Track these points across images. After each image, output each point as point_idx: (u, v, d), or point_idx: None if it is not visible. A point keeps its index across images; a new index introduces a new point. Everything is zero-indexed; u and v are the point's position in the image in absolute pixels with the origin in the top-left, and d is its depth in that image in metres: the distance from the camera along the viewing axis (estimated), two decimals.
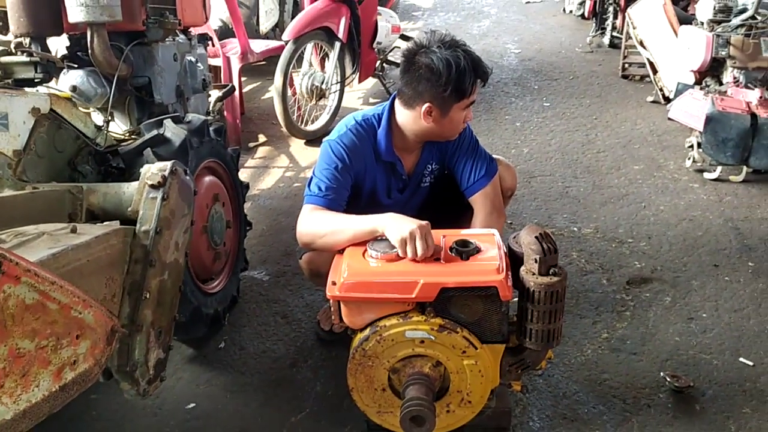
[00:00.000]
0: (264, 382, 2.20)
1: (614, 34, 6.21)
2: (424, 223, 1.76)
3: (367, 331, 1.78)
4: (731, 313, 2.43)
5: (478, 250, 1.79)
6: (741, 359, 2.20)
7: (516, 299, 1.78)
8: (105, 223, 1.83)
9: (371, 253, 1.79)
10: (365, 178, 2.13)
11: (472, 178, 2.17)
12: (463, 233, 1.89)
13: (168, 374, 2.13)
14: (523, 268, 1.76)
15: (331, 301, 1.79)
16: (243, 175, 2.82)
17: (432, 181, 2.29)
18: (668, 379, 2.08)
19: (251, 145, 4.31)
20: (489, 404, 1.91)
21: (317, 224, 1.91)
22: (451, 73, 1.92)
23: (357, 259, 1.81)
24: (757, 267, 2.71)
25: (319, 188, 1.99)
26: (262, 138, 4.44)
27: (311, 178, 2.05)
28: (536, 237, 1.72)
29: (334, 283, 1.77)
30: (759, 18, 3.37)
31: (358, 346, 1.79)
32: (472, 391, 1.82)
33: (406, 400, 1.72)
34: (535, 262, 1.71)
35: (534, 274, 1.72)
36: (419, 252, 1.72)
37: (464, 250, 1.77)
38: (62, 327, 1.42)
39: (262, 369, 2.26)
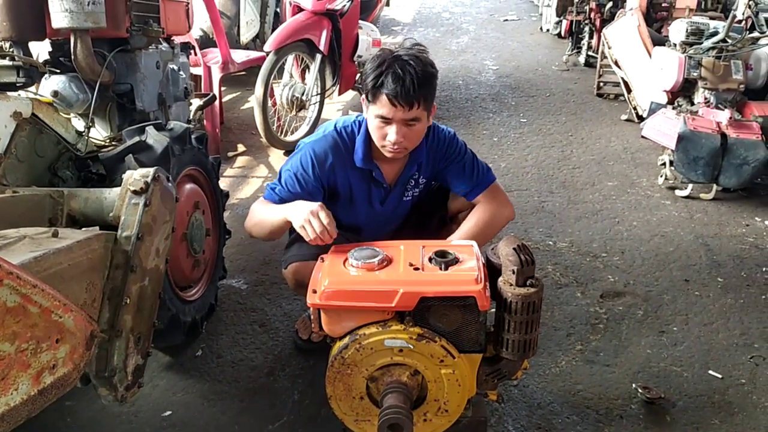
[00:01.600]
0: (241, 391, 2.19)
1: (590, 53, 6.34)
2: (317, 204, 1.91)
3: (346, 340, 1.80)
4: (701, 327, 2.49)
5: (457, 261, 1.81)
6: (710, 372, 2.25)
7: (494, 310, 1.81)
8: (85, 228, 1.83)
9: (352, 261, 1.81)
10: (338, 184, 2.16)
11: (473, 181, 2.20)
12: (443, 244, 1.92)
13: (144, 381, 2.13)
14: (501, 278, 1.79)
15: (311, 309, 1.81)
16: (222, 184, 2.83)
17: (416, 195, 2.31)
18: (640, 391, 2.13)
19: (230, 154, 4.31)
20: (465, 413, 1.93)
21: (253, 215, 2.13)
22: (370, 69, 1.97)
23: (338, 267, 1.83)
24: (726, 282, 2.78)
25: (275, 188, 2.13)
26: (241, 147, 4.45)
27: (281, 169, 2.16)
28: (514, 248, 1.76)
29: (314, 291, 1.78)
30: (729, 41, 3.47)
31: (337, 354, 1.80)
32: (449, 400, 1.84)
33: (384, 408, 1.73)
34: (513, 273, 1.75)
35: (512, 284, 1.76)
36: (316, 230, 1.88)
37: (443, 261, 1.79)
38: (42, 331, 1.42)
39: (240, 377, 2.26)
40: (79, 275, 1.62)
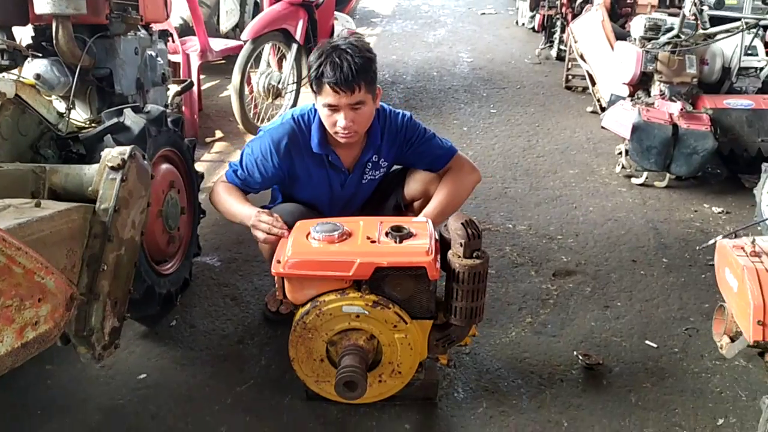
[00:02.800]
0: (212, 357, 2.35)
1: (561, 47, 6.52)
2: (253, 214, 2.16)
3: (308, 306, 1.96)
4: (643, 303, 2.68)
5: (411, 235, 1.98)
6: (647, 342, 2.44)
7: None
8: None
9: (314, 234, 1.97)
10: (297, 168, 2.32)
11: (437, 156, 2.38)
12: (399, 220, 2.09)
13: (121, 348, 2.27)
14: (450, 251, 1.96)
15: (275, 277, 1.97)
16: (200, 168, 2.96)
17: (376, 178, 2.47)
18: (580, 358, 2.31)
19: (208, 140, 4.44)
20: (418, 376, 2.10)
21: (217, 196, 2.33)
22: (313, 61, 2.13)
23: (301, 239, 1.99)
24: (670, 263, 2.98)
25: (237, 170, 2.33)
26: (219, 134, 4.58)
27: (241, 153, 2.35)
28: (462, 223, 1.93)
29: (278, 261, 1.95)
30: (683, 36, 3.66)
31: (299, 319, 1.97)
32: (402, 362, 2.01)
33: (340, 368, 1.90)
34: (461, 246, 1.92)
35: (459, 256, 1.93)
36: (265, 231, 2.11)
37: (398, 234, 1.96)
38: (26, 290, 1.56)
39: (211, 345, 2.41)
40: (60, 242, 1.77)
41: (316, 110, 2.27)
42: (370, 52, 2.15)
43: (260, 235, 2.13)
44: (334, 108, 2.14)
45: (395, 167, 2.53)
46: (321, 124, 2.26)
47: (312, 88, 2.17)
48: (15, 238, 1.51)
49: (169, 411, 2.09)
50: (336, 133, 2.20)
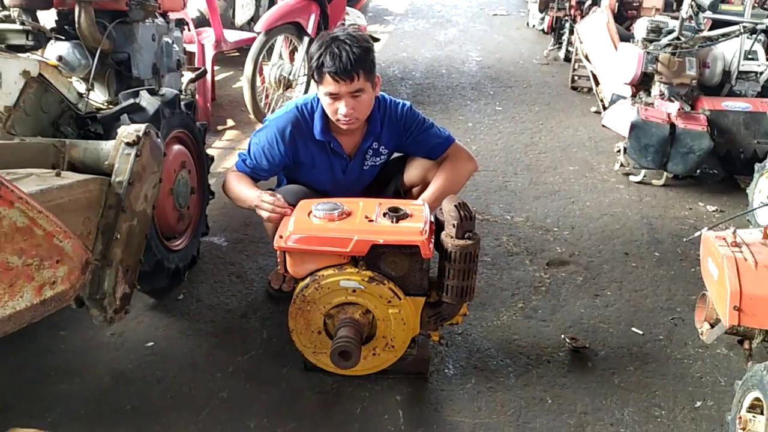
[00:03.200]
0: (216, 329, 2.47)
1: (569, 48, 6.58)
2: (256, 196, 2.28)
3: (307, 280, 2.08)
4: (632, 293, 2.78)
5: (407, 216, 2.09)
6: (633, 329, 2.54)
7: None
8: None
9: (315, 212, 2.09)
10: (301, 155, 2.45)
11: (436, 144, 2.50)
12: (397, 202, 2.20)
13: (130, 317, 2.41)
14: (443, 232, 2.07)
15: (278, 252, 2.09)
16: (211, 153, 3.08)
17: (376, 164, 2.58)
18: (567, 341, 2.42)
19: (220, 128, 4.57)
20: (410, 352, 2.21)
21: (228, 183, 2.45)
22: (314, 52, 2.24)
23: (303, 217, 2.10)
24: (661, 257, 3.07)
25: (245, 160, 2.46)
26: (230, 122, 4.72)
27: (250, 141, 2.48)
28: (455, 206, 2.04)
29: (281, 237, 2.06)
30: (683, 39, 3.75)
31: (299, 292, 2.08)
32: (396, 337, 2.13)
33: (336, 338, 2.01)
34: (454, 227, 2.02)
35: (452, 237, 2.03)
36: (269, 211, 2.22)
37: (395, 215, 2.07)
38: (45, 251, 1.69)
39: (215, 318, 2.53)
40: (78, 210, 1.89)
41: (318, 99, 2.39)
42: (367, 41, 2.27)
43: (264, 214, 2.25)
44: (335, 96, 2.25)
45: (396, 155, 2.64)
46: (323, 113, 2.38)
47: (313, 77, 2.28)
48: (37, 202, 1.64)
49: (173, 377, 2.22)
50: (338, 120, 2.31)
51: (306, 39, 4.54)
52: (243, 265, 2.90)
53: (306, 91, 4.75)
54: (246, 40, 4.83)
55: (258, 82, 4.40)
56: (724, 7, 4.04)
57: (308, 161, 2.47)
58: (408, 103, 2.53)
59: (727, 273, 2.00)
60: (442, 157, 2.50)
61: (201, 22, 5.06)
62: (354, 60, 2.18)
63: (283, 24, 4.36)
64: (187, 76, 3.36)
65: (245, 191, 2.36)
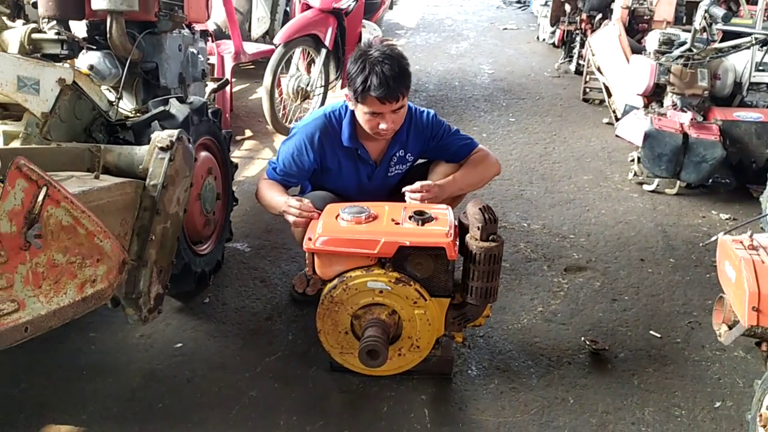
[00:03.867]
0: (242, 331, 2.52)
1: (580, 61, 6.66)
2: (283, 201, 2.34)
3: (335, 281, 2.13)
4: (649, 297, 2.82)
5: (432, 219, 2.15)
6: (651, 332, 2.58)
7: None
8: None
9: (343, 216, 2.15)
10: (329, 161, 2.52)
11: (458, 145, 2.57)
12: (422, 206, 2.26)
13: (158, 320, 2.47)
14: (468, 235, 2.13)
15: (306, 253, 2.15)
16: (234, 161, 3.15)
17: (401, 171, 2.65)
18: (587, 343, 2.46)
19: (239, 138, 4.65)
20: (434, 352, 2.26)
21: (263, 194, 2.50)
22: (351, 73, 2.30)
23: (331, 220, 2.17)
24: (676, 263, 3.11)
25: (276, 167, 2.53)
26: (248, 133, 4.80)
27: (279, 149, 2.56)
28: (480, 209, 2.09)
29: (310, 239, 2.12)
30: (695, 51, 3.81)
31: (327, 293, 2.14)
32: (421, 337, 2.17)
33: (364, 338, 2.07)
34: (478, 229, 2.08)
35: (476, 239, 2.09)
36: (296, 215, 2.28)
37: (420, 218, 2.13)
38: (87, 249, 1.76)
39: (241, 321, 2.59)
40: (115, 211, 1.96)
41: (347, 107, 2.46)
42: (405, 58, 2.34)
43: (290, 219, 2.31)
44: (377, 114, 2.32)
45: (420, 160, 2.70)
46: (352, 121, 2.45)
47: (355, 97, 2.32)
48: (80, 202, 1.70)
49: (203, 376, 2.27)
50: (377, 133, 2.39)
51: (323, 51, 4.63)
52: (266, 269, 2.96)
53: (323, 103, 4.84)
54: (264, 52, 4.92)
55: (276, 93, 4.48)
56: (735, 20, 4.10)
57: (335, 167, 2.53)
58: (432, 111, 2.60)
59: (745, 275, 2.04)
60: (466, 159, 2.56)
61: (218, 35, 5.17)
62: (399, 81, 2.25)
63: (301, 36, 4.45)
64: (210, 86, 3.43)
65: (276, 198, 2.42)
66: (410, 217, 2.15)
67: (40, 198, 1.53)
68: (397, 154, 2.58)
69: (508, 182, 4.01)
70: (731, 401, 2.23)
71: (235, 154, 4.34)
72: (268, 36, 5.89)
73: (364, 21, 5.15)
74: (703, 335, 2.57)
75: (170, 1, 2.87)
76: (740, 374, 2.36)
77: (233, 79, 5.20)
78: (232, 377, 2.27)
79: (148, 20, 2.78)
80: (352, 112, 2.44)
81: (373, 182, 2.62)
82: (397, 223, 2.13)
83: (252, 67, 5.99)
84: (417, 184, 2.38)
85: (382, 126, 2.34)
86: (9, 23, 2.53)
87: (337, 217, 2.17)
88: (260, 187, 2.52)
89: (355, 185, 2.61)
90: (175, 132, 2.16)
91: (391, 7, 10.14)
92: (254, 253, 3.10)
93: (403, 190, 2.42)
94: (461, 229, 2.18)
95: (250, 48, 4.87)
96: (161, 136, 2.15)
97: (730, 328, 2.28)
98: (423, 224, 2.12)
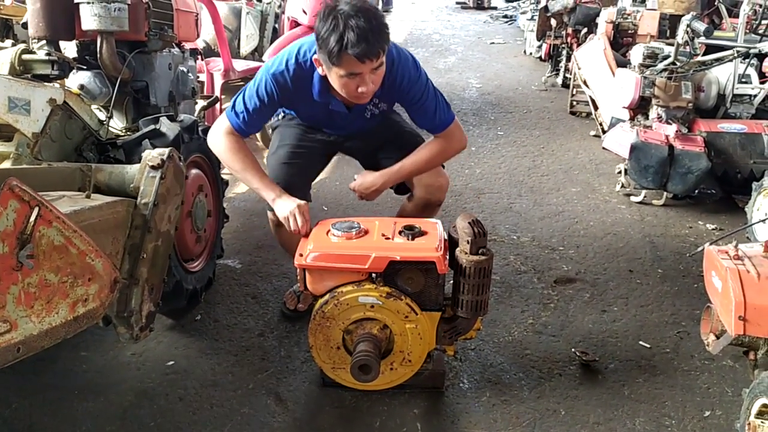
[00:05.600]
0: (234, 348, 2.53)
1: (567, 75, 6.74)
2: (301, 203, 2.26)
3: (327, 296, 2.14)
4: (638, 308, 2.85)
5: (422, 233, 2.17)
6: (641, 342, 2.61)
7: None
8: None
9: (333, 231, 2.16)
10: (299, 108, 2.41)
11: (434, 123, 2.41)
12: (412, 221, 2.28)
13: (150, 338, 2.46)
14: (458, 248, 2.15)
15: (297, 269, 2.16)
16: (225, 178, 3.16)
17: (376, 113, 2.46)
18: (578, 354, 2.48)
19: None
20: (426, 366, 2.27)
21: (233, 157, 2.34)
22: (321, 33, 2.03)
23: (321, 235, 2.18)
24: (665, 273, 3.15)
25: (239, 113, 2.31)
26: None
27: (242, 91, 2.32)
28: (469, 222, 2.11)
29: (301, 255, 2.14)
30: (678, 64, 3.87)
31: (318, 308, 2.15)
32: (412, 351, 2.19)
33: (356, 353, 2.08)
34: (467, 243, 2.10)
35: (466, 253, 2.11)
36: (294, 225, 2.23)
37: (410, 233, 2.15)
38: (79, 269, 1.76)
39: (233, 337, 2.59)
40: (107, 230, 1.97)
41: (312, 58, 2.21)
42: (379, 11, 2.15)
43: (289, 227, 2.26)
44: (355, 75, 2.09)
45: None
46: (322, 77, 2.23)
47: (329, 59, 2.06)
48: (72, 221, 1.71)
49: (195, 394, 2.27)
50: (355, 97, 2.18)
51: None
52: (258, 286, 2.96)
53: None
54: (253, 69, 4.95)
55: None
56: (717, 33, 4.17)
57: (306, 112, 2.42)
58: (411, 58, 2.36)
59: (731, 285, 2.07)
60: (426, 143, 2.48)
61: (207, 53, 5.20)
62: (378, 35, 2.02)
63: None
64: (200, 103, 3.45)
65: (262, 182, 2.31)
66: (400, 232, 2.17)
67: (32, 218, 1.54)
68: (371, 103, 2.39)
69: (497, 195, 4.04)
70: (720, 410, 2.25)
71: (226, 171, 4.34)
72: (257, 53, 5.94)
73: None
74: (692, 345, 2.59)
75: (160, 21, 2.88)
76: (729, 383, 2.38)
77: (224, 96, 5.23)
78: (224, 395, 2.27)
79: (138, 40, 2.80)
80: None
81: (349, 125, 2.49)
82: (388, 238, 2.15)
83: (242, 83, 6.00)
84: (353, 184, 2.47)
85: (362, 89, 2.12)
86: None
87: (327, 233, 2.18)
88: (227, 142, 2.33)
89: (328, 125, 2.50)
90: (166, 150, 2.17)
91: None
92: (245, 270, 3.11)
93: (350, 186, 2.52)
94: (451, 243, 2.20)
95: (240, 65, 4.90)
96: (152, 155, 2.16)
97: (718, 337, 2.31)
98: (413, 239, 2.14)
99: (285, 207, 2.27)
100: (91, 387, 2.29)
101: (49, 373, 2.35)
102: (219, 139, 2.37)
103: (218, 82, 4.55)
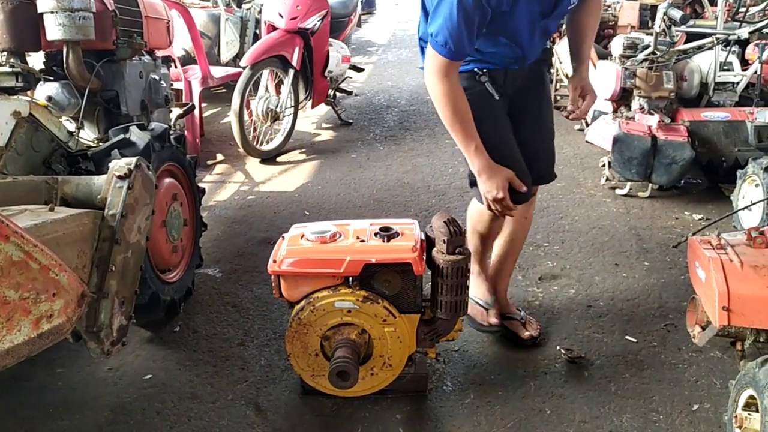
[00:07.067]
0: (214, 358, 2.48)
1: (551, 70, 6.70)
2: (510, 175, 2.18)
3: (302, 303, 2.10)
4: (624, 302, 2.81)
5: (397, 235, 2.13)
6: (627, 337, 2.57)
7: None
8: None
9: (307, 235, 2.12)
10: (504, 3, 2.04)
11: None
12: (388, 222, 2.23)
13: (127, 351, 2.43)
14: (434, 249, 2.11)
15: (272, 276, 2.12)
16: (203, 186, 3.11)
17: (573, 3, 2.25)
18: (563, 352, 2.44)
19: (210, 162, 4.62)
20: (408, 370, 2.23)
21: (454, 106, 2.12)
22: None
23: (295, 240, 2.14)
24: (651, 266, 3.11)
25: (448, 45, 2.02)
26: (220, 156, 4.76)
27: (438, 19, 2.01)
28: (444, 222, 2.07)
29: (274, 261, 2.09)
30: (658, 53, 3.84)
31: (294, 315, 2.10)
32: (393, 355, 2.14)
33: (333, 359, 2.03)
34: (444, 242, 2.06)
35: (443, 253, 2.07)
36: (495, 208, 2.21)
37: (386, 234, 2.11)
38: (41, 284, 1.71)
39: (213, 348, 2.54)
40: (72, 243, 1.91)
41: None
42: None
43: (488, 206, 2.23)
44: None
45: None
46: None
47: None
48: (32, 236, 1.66)
49: (173, 407, 2.22)
50: None
51: (291, 71, 4.62)
52: (238, 294, 2.91)
53: (293, 123, 4.82)
54: (232, 75, 4.91)
55: (246, 116, 4.46)
56: (699, 22, 4.14)
57: (508, 8, 2.06)
58: None
59: (714, 275, 2.03)
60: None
61: (186, 60, 5.15)
62: None
63: (268, 58, 4.44)
64: (176, 112, 3.41)
65: (476, 146, 2.17)
66: (375, 234, 2.13)
67: None
68: None
69: None
70: (709, 403, 2.21)
71: (207, 179, 4.31)
72: (238, 59, 5.88)
73: (331, 40, 5.15)
74: (679, 337, 2.55)
75: (128, 29, 2.84)
76: (717, 375, 2.34)
77: (204, 104, 5.19)
78: (202, 407, 2.22)
79: (106, 48, 2.76)
80: None
81: (547, 19, 2.20)
82: (363, 241, 2.11)
83: (224, 91, 5.97)
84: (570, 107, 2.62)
85: None
86: None
87: (301, 237, 2.14)
88: (451, 97, 2.10)
89: (527, 26, 2.16)
90: (133, 159, 2.13)
91: (359, 25, 10.19)
92: (226, 278, 3.06)
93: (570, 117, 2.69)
94: (428, 243, 2.16)
95: (218, 72, 4.85)
96: (119, 165, 2.12)
97: (704, 329, 2.27)
98: (388, 240, 2.10)
99: (491, 184, 2.16)
100: (67, 404, 2.24)
101: (23, 391, 2.30)
102: (443, 81, 2.09)
103: (196, 89, 4.50)
